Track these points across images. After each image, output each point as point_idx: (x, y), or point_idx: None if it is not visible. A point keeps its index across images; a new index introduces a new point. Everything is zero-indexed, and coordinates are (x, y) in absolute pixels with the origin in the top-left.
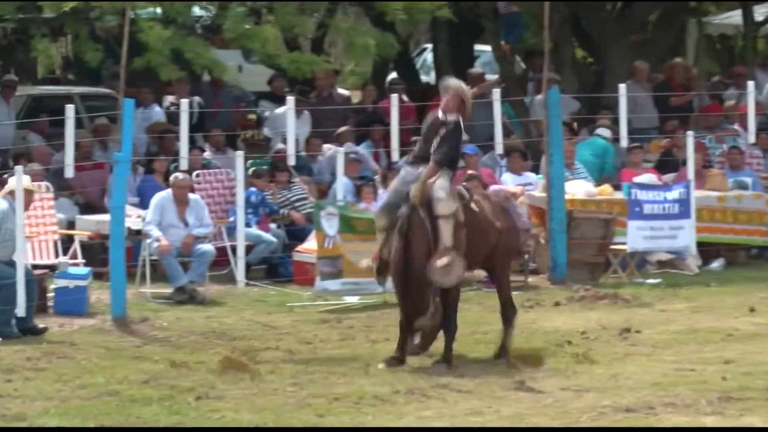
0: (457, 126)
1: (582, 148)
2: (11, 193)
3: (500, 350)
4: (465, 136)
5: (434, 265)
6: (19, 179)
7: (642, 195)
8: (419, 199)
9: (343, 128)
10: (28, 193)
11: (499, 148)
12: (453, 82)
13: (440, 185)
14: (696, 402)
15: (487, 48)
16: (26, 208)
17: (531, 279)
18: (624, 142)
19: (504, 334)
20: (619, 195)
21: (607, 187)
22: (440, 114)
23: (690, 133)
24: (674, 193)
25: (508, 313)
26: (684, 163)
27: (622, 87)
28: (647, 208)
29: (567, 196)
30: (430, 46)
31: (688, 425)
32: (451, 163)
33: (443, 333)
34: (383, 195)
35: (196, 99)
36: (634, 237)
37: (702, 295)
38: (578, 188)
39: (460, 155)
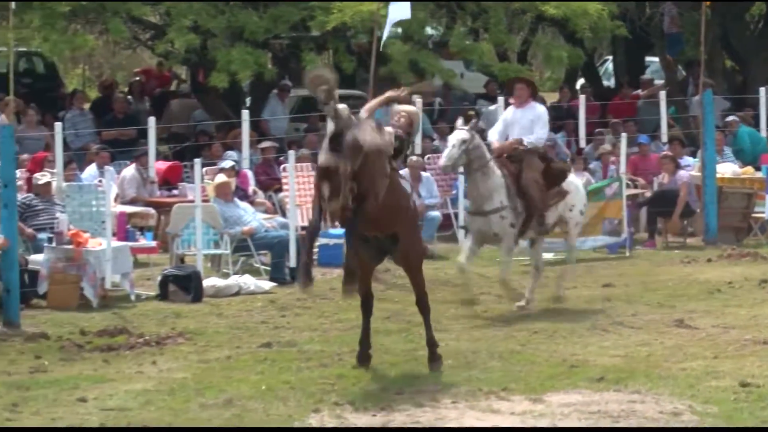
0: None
1: (741, 137)
2: (220, 185)
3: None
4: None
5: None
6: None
7: None
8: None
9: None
10: (227, 185)
11: (664, 138)
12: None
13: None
14: None
15: (655, 59)
16: (226, 197)
17: (689, 240)
18: (763, 133)
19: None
20: (760, 174)
21: (749, 168)
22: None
23: None
24: None
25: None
26: None
27: (762, 90)
28: None
29: (717, 175)
30: (610, 57)
31: None
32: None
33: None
34: None
35: (438, 99)
36: None
37: None
38: (726, 169)
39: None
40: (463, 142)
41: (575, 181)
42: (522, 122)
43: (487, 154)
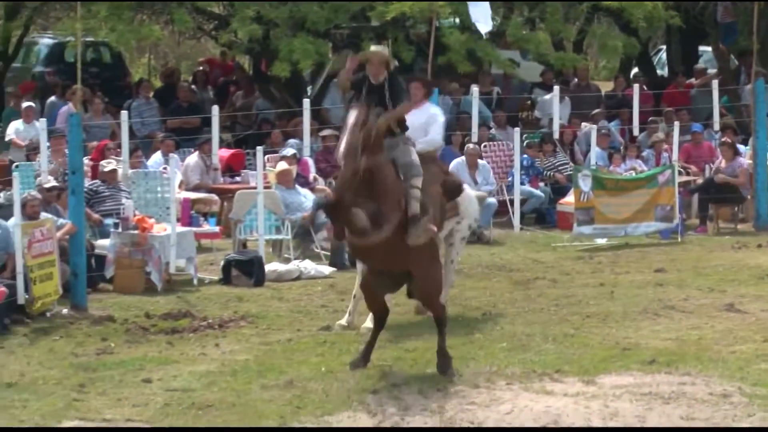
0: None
1: None
2: (282, 173)
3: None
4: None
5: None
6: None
7: None
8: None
9: (596, 110)
10: (288, 172)
11: (716, 126)
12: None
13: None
14: None
15: (708, 48)
16: (287, 184)
17: (740, 226)
18: None
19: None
20: None
21: None
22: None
23: None
24: None
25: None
26: None
27: None
28: None
29: None
30: (664, 47)
31: None
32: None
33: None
34: None
35: (496, 88)
36: None
37: None
38: None
39: None
40: None
41: (470, 194)
42: (415, 124)
43: None
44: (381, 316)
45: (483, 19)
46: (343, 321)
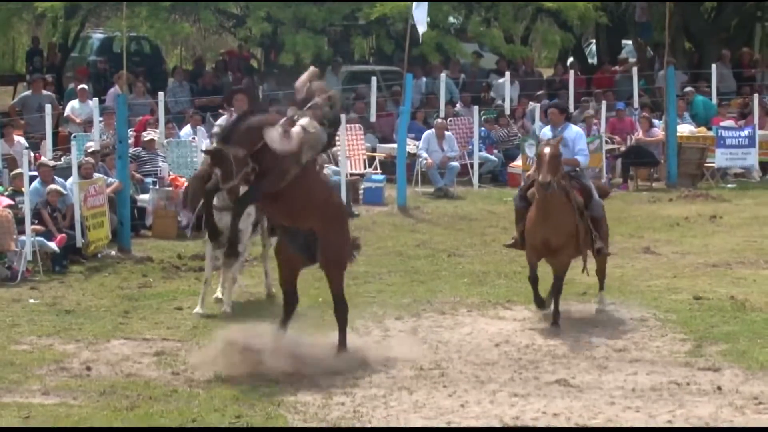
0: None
1: (696, 103)
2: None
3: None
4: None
5: (276, 127)
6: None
7: (725, 133)
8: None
9: (539, 92)
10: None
11: (636, 104)
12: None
13: (301, 123)
14: (757, 261)
15: (629, 42)
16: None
17: (654, 185)
18: (714, 101)
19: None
20: (710, 133)
21: (703, 128)
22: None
23: (755, 95)
24: (745, 132)
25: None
26: (751, 113)
27: (714, 66)
28: (728, 141)
29: (678, 133)
30: (594, 40)
31: (752, 276)
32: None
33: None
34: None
35: (462, 75)
36: (720, 158)
37: (763, 194)
38: (685, 129)
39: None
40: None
41: None
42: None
43: None
44: (291, 300)
45: (421, 20)
46: (199, 309)
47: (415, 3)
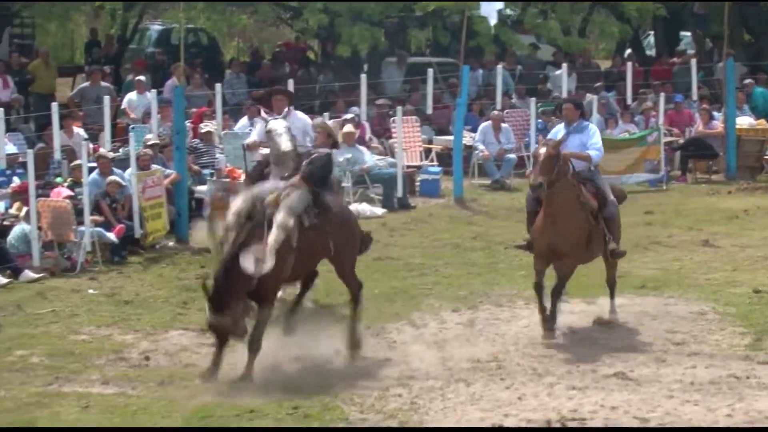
0: (328, 156)
1: (756, 95)
2: (347, 134)
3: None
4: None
5: (250, 251)
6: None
7: None
8: (273, 204)
9: (597, 84)
10: (352, 134)
11: (694, 96)
12: (317, 121)
13: (292, 200)
14: None
15: (688, 33)
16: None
17: (713, 177)
18: None
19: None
20: None
21: (762, 121)
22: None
23: None
24: None
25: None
26: None
27: None
28: None
29: (737, 126)
30: (652, 32)
31: None
32: (315, 181)
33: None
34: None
35: (519, 66)
36: None
37: None
38: (744, 121)
39: (325, 178)
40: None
41: None
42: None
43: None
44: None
45: (491, 14)
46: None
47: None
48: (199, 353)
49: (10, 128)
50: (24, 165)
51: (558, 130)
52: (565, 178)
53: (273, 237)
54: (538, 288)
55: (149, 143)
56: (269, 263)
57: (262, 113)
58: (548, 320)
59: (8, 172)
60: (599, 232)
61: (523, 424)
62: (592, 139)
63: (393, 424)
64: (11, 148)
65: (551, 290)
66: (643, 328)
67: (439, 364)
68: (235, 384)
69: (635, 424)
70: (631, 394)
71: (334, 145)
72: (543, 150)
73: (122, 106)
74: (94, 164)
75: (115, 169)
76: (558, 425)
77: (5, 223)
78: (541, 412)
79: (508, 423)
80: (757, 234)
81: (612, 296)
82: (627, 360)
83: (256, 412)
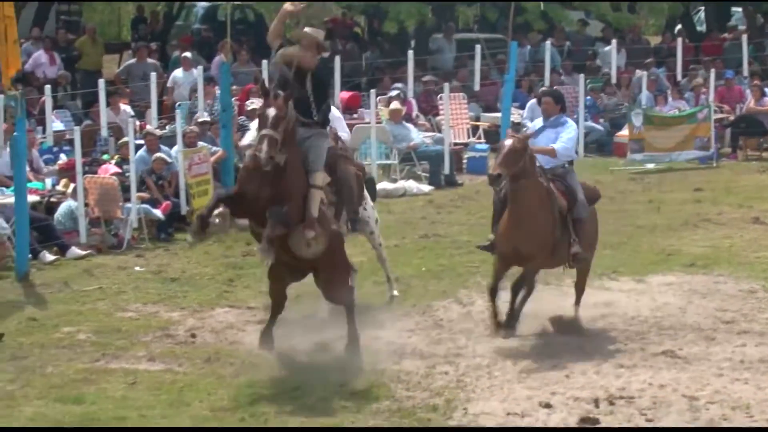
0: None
1: None
2: (393, 111)
3: None
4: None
5: (299, 234)
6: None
7: None
8: None
9: (647, 60)
10: (399, 111)
11: (745, 72)
12: (303, 31)
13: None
14: None
15: (739, 9)
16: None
17: (764, 154)
18: None
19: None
20: None
21: None
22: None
23: None
24: None
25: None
26: None
27: None
28: None
29: None
30: (702, 7)
31: None
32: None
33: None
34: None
35: (567, 43)
36: None
37: None
38: None
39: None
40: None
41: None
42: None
43: None
44: (279, 303)
45: None
46: None
47: None
48: (245, 331)
49: (57, 105)
50: (71, 142)
51: (536, 125)
52: (533, 176)
53: (313, 205)
54: (493, 292)
55: (199, 120)
56: (320, 244)
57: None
58: (514, 316)
59: (55, 149)
60: (567, 234)
61: (570, 402)
62: (564, 132)
63: (439, 401)
64: (58, 125)
65: (513, 283)
66: (692, 307)
67: (486, 341)
68: (281, 361)
69: (684, 402)
70: (680, 372)
71: (321, 50)
72: (508, 142)
73: (168, 84)
74: (141, 141)
75: (162, 146)
76: (606, 403)
77: (52, 199)
78: (588, 390)
79: (555, 401)
80: None
81: (577, 302)
82: (676, 338)
83: (302, 389)
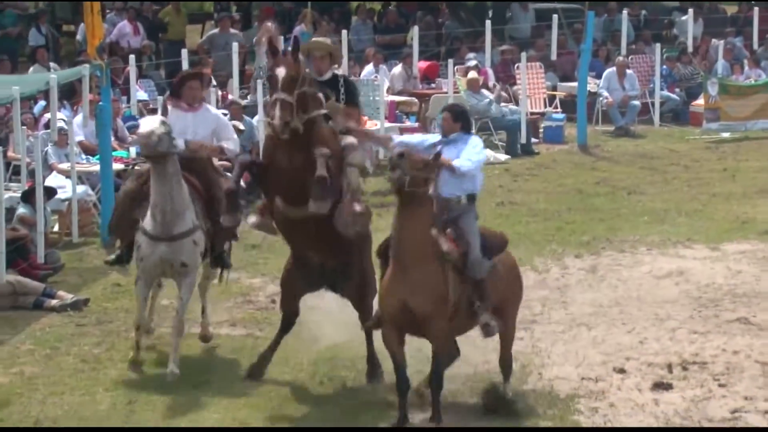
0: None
1: None
2: (471, 80)
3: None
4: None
5: (342, 210)
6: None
7: None
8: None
9: (728, 29)
10: (476, 80)
11: None
12: (316, 41)
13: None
14: None
15: None
16: (474, 89)
17: None
18: None
19: None
20: None
21: None
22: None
23: None
24: None
25: None
26: None
27: None
28: None
29: None
30: None
31: None
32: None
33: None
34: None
35: (643, 11)
36: None
37: None
38: None
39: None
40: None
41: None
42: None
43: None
44: (290, 318)
45: None
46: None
47: None
48: (323, 297)
49: (141, 75)
50: (155, 111)
51: (425, 141)
52: (423, 204)
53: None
54: (401, 371)
55: None
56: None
57: (170, 107)
58: (434, 412)
59: (139, 118)
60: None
61: (644, 368)
62: (468, 147)
63: (514, 366)
64: (142, 95)
65: (428, 377)
66: (766, 275)
67: (560, 308)
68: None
69: (757, 368)
70: (754, 338)
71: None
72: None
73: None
74: (225, 111)
75: (246, 117)
76: (679, 369)
77: (137, 167)
78: (662, 356)
79: (629, 366)
80: None
81: (505, 378)
82: (749, 305)
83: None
